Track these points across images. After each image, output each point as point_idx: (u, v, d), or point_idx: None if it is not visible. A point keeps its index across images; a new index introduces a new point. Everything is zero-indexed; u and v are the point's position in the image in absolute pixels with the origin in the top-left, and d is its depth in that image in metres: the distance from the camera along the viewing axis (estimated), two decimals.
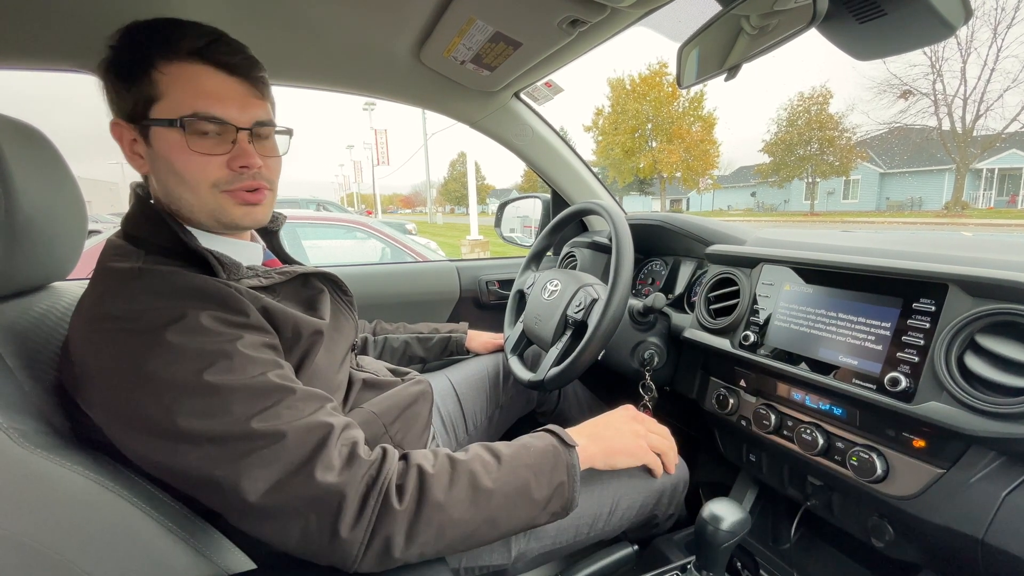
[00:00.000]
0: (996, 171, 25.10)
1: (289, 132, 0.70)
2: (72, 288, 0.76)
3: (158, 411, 0.51)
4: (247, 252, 0.72)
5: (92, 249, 0.63)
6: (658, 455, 0.79)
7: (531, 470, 0.63)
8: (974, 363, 0.60)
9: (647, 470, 0.80)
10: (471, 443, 0.68)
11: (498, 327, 1.28)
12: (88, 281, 0.61)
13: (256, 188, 0.65)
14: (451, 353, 1.25)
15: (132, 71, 0.60)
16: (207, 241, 0.65)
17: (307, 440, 0.53)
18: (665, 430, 0.83)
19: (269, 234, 0.83)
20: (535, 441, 0.67)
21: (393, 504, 0.53)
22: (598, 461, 0.73)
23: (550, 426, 0.72)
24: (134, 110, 0.60)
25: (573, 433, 0.71)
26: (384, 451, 0.58)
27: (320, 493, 0.52)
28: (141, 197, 0.66)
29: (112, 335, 0.53)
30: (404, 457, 0.59)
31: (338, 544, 0.52)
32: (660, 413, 1.07)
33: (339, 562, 0.53)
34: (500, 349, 1.24)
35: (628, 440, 0.76)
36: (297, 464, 0.52)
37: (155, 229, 0.62)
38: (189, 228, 0.64)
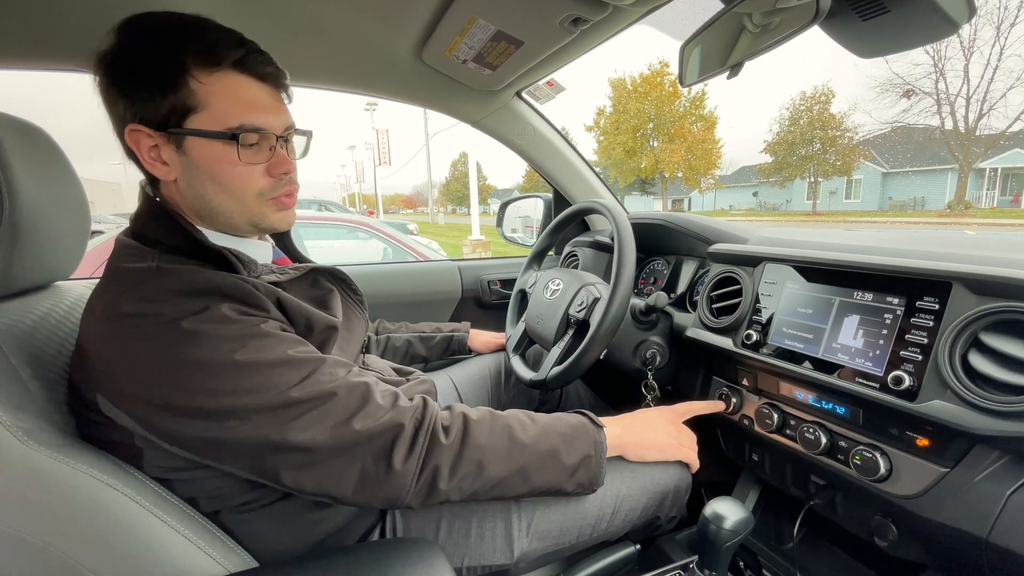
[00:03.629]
0: (999, 170, 25.01)
1: (308, 133, 0.73)
2: (75, 287, 0.76)
3: (203, 394, 0.53)
4: (258, 250, 0.73)
5: (95, 249, 0.63)
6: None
7: (562, 437, 0.69)
8: (978, 361, 0.60)
9: (684, 464, 0.86)
10: None
11: (500, 326, 1.28)
12: (94, 281, 0.61)
13: (291, 192, 0.68)
14: (453, 352, 1.25)
15: (164, 79, 0.57)
16: (217, 240, 0.65)
17: (352, 395, 0.58)
18: (693, 437, 0.88)
19: (279, 233, 0.83)
20: (567, 416, 0.74)
21: (440, 439, 0.60)
22: (629, 451, 0.79)
23: (584, 410, 0.77)
24: (167, 119, 0.58)
25: (608, 421, 0.77)
26: (425, 399, 0.64)
27: (374, 431, 0.57)
28: (149, 196, 0.65)
29: (136, 331, 0.54)
30: (448, 407, 0.67)
31: (393, 477, 0.57)
32: None
33: (392, 496, 0.58)
34: (502, 348, 1.24)
35: (662, 437, 0.82)
36: (348, 415, 0.57)
37: (167, 229, 0.62)
38: (199, 227, 0.64)
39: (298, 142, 0.72)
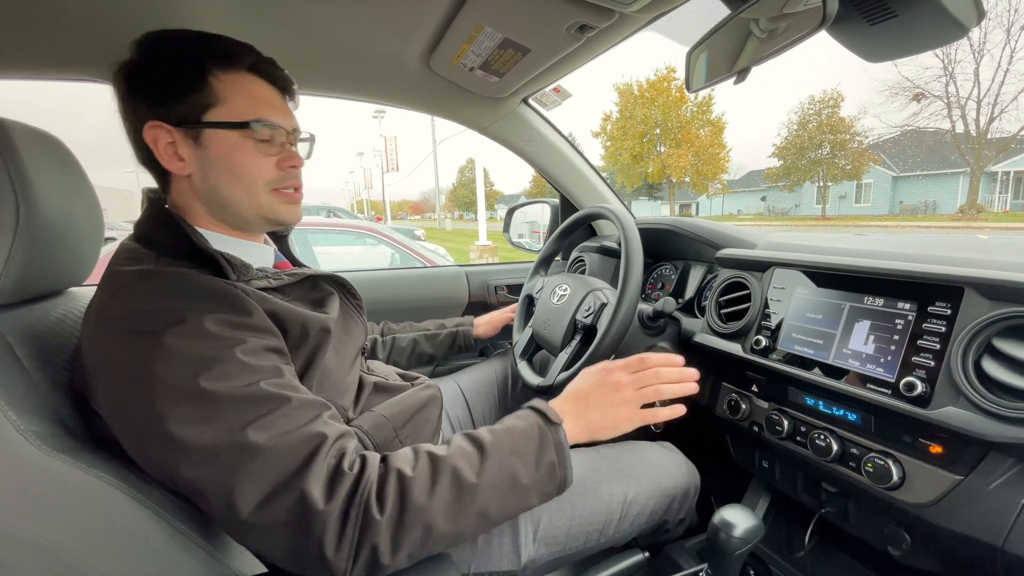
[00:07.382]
0: (1011, 174, 24.68)
1: (312, 139, 0.77)
2: (89, 293, 0.77)
3: (153, 415, 0.51)
4: (259, 254, 0.74)
5: (108, 255, 0.64)
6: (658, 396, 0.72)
7: (516, 456, 0.61)
8: (992, 367, 0.59)
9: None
10: None
11: (507, 332, 1.28)
12: None
13: (298, 187, 0.72)
14: (460, 347, 1.24)
15: (187, 80, 0.63)
16: (220, 243, 0.66)
17: (298, 452, 0.52)
18: (658, 357, 0.74)
19: (279, 238, 0.84)
20: (518, 423, 0.65)
21: (374, 515, 0.52)
22: (581, 439, 0.69)
23: (535, 402, 0.68)
24: (187, 114, 0.63)
25: (556, 408, 0.68)
26: (364, 460, 0.56)
27: (303, 514, 0.50)
28: (154, 201, 0.68)
29: (116, 335, 0.54)
30: (384, 460, 0.57)
31: (325, 564, 0.51)
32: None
33: None
34: (508, 325, 1.24)
35: (608, 412, 0.70)
36: (285, 478, 0.51)
37: (167, 232, 0.63)
38: (200, 230, 0.66)
39: (304, 149, 0.76)
